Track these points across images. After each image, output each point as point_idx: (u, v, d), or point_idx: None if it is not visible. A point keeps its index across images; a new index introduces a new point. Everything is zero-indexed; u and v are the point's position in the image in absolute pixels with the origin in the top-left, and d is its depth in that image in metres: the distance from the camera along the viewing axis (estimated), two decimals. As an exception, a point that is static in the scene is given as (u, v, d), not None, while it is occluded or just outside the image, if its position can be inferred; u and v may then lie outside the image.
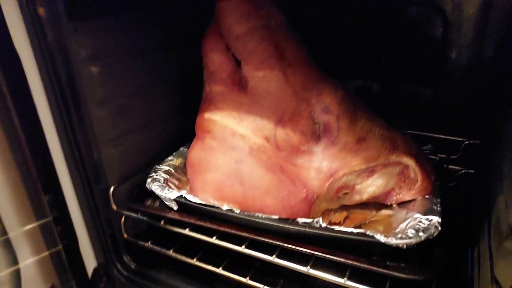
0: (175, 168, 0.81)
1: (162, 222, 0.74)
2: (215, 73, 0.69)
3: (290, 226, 0.61)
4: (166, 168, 0.79)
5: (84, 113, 0.71)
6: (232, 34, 0.66)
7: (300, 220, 0.62)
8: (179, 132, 0.92)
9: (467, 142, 0.91)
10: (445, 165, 0.90)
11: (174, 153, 0.86)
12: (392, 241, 0.56)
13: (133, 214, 0.77)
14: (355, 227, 0.66)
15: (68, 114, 0.67)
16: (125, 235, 0.81)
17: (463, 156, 0.91)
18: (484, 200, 0.71)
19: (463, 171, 0.92)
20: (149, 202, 0.80)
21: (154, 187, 0.73)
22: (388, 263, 0.60)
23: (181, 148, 0.88)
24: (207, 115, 0.70)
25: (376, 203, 0.71)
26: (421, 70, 0.96)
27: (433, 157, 0.82)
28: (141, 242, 0.80)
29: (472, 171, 0.91)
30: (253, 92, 0.66)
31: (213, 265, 0.71)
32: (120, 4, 0.74)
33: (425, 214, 0.62)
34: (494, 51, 0.87)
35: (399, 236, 0.57)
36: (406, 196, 0.68)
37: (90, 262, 0.83)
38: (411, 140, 0.72)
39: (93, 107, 0.72)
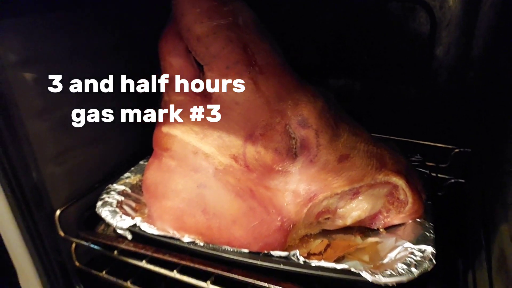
0: (132, 187, 0.70)
1: (115, 252, 0.64)
2: (174, 79, 0.59)
3: (261, 263, 0.52)
4: (121, 187, 0.69)
5: (18, 128, 0.60)
6: (192, 34, 0.56)
7: (275, 253, 0.53)
8: (139, 142, 0.81)
9: (457, 150, 0.84)
10: (433, 174, 0.84)
11: (132, 168, 0.75)
12: (381, 279, 0.48)
13: (83, 242, 0.67)
14: (339, 257, 0.58)
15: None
16: (77, 263, 0.71)
17: (453, 165, 0.85)
18: (478, 219, 0.64)
19: (452, 180, 0.85)
20: (102, 227, 0.70)
21: (105, 213, 0.62)
22: (375, 301, 0.52)
23: (141, 162, 0.77)
24: (165, 129, 0.59)
25: (361, 227, 0.63)
26: (406, 69, 0.90)
27: (423, 170, 0.73)
28: (94, 272, 0.69)
29: (463, 180, 0.84)
30: (219, 102, 0.56)
31: (177, 300, 0.62)
32: (59, -2, 0.63)
33: (417, 243, 0.54)
34: (484, 51, 0.81)
35: (388, 272, 0.49)
36: (394, 219, 0.60)
37: (36, 296, 0.72)
38: (400, 155, 0.63)
39: (30, 120, 0.61)
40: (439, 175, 0.85)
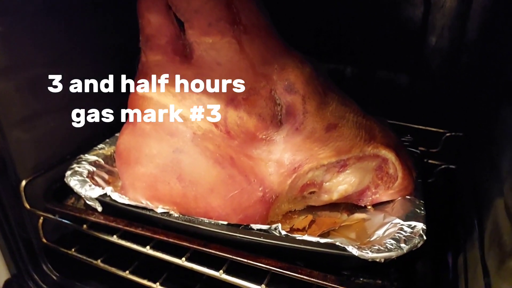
0: (106, 158, 0.66)
1: (85, 226, 0.59)
2: (152, 38, 0.54)
3: (240, 235, 0.48)
4: (93, 158, 0.64)
5: (-21, 85, 0.55)
6: (173, -13, 0.52)
7: (255, 226, 0.49)
8: (117, 113, 0.76)
9: (448, 134, 0.81)
10: (424, 159, 0.81)
11: (107, 140, 0.71)
12: (368, 254, 0.45)
13: (50, 215, 0.62)
14: (323, 234, 0.55)
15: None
16: (44, 240, 0.66)
17: (444, 150, 0.82)
18: (470, 201, 0.61)
19: (443, 166, 0.82)
20: (72, 200, 0.65)
21: (73, 182, 0.58)
22: (361, 279, 0.49)
23: (117, 134, 0.72)
24: (141, 91, 0.55)
25: (348, 204, 0.59)
26: (400, 53, 0.87)
27: (413, 149, 0.70)
28: (63, 249, 0.64)
29: (453, 166, 0.82)
30: (200, 63, 0.52)
31: (149, 279, 0.58)
32: None
33: (406, 219, 0.51)
34: (478, 33, 0.79)
35: (376, 247, 0.46)
36: (383, 196, 0.56)
37: (1, 274, 0.67)
38: (390, 129, 0.60)
39: (-7, 78, 0.56)
40: (430, 161, 0.83)
